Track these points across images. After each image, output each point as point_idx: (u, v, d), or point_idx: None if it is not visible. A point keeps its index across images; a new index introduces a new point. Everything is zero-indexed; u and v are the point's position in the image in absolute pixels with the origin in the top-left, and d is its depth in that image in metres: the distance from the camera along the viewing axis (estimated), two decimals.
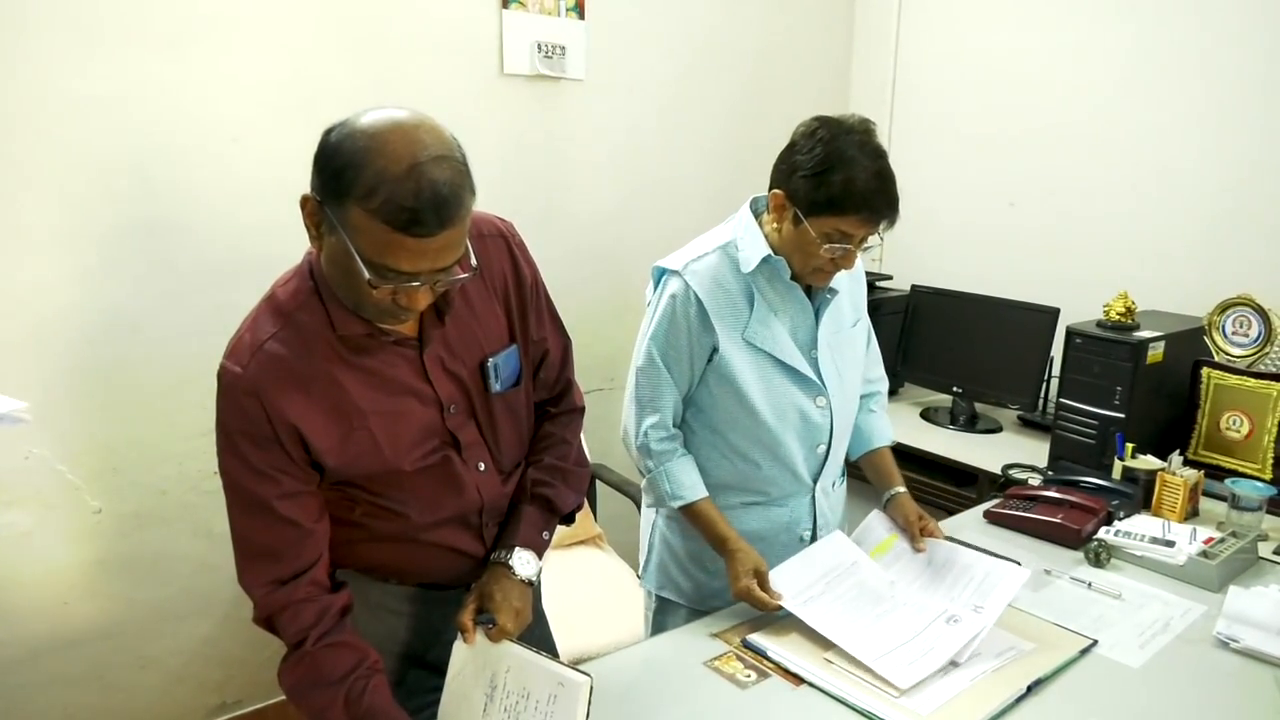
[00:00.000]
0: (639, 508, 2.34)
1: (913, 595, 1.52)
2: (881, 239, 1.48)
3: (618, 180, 2.81)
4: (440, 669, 1.30)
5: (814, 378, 1.58)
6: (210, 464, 2.12)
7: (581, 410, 1.44)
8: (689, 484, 1.55)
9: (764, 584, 1.46)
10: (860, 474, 1.81)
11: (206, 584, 2.24)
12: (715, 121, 3.02)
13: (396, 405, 1.17)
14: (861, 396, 1.76)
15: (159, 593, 2.19)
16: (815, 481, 1.65)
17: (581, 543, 2.52)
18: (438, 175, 0.98)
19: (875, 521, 1.69)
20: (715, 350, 1.53)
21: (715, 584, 1.64)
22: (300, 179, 2.31)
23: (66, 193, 1.95)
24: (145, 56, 1.99)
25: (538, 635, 1.48)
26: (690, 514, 1.56)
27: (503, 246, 1.27)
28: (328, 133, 1.03)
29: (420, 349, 1.18)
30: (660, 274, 1.59)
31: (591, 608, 1.99)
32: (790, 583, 1.49)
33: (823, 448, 1.63)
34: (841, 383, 1.62)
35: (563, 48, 2.57)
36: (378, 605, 1.29)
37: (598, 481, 2.60)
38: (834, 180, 1.39)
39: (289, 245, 2.13)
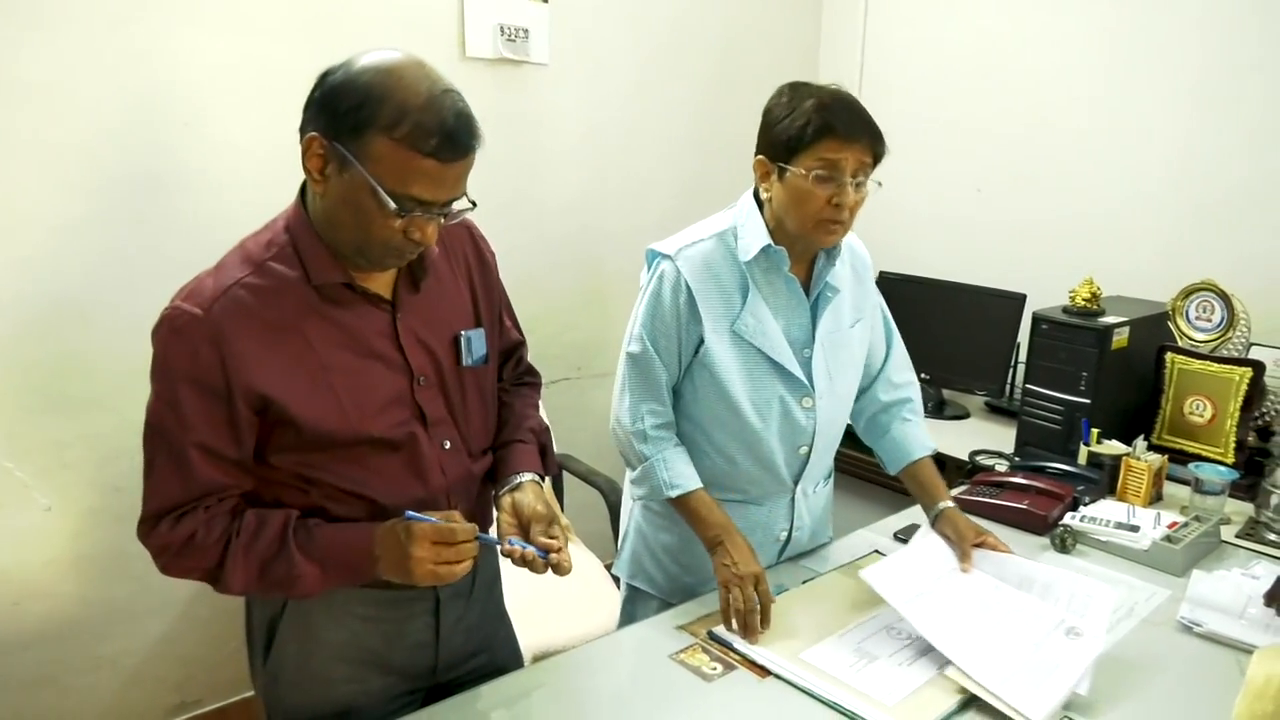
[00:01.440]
0: (605, 498, 2.33)
1: (1022, 602, 1.43)
2: (879, 184, 1.44)
3: (583, 167, 2.78)
4: (406, 673, 1.28)
5: (802, 378, 1.52)
6: None
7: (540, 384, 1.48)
8: (687, 474, 1.51)
9: (760, 585, 1.42)
10: (854, 471, 1.78)
11: (163, 581, 2.12)
12: (682, 108, 2.99)
13: (363, 366, 1.14)
14: (890, 404, 1.69)
15: (113, 591, 2.14)
16: (796, 483, 1.61)
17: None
18: (457, 103, 1.04)
19: (924, 541, 1.57)
20: (701, 341, 1.48)
21: (687, 579, 1.62)
22: (255, 163, 2.26)
23: (9, 181, 1.88)
24: (90, 38, 1.92)
25: (501, 636, 1.47)
26: (687, 503, 1.50)
27: (463, 230, 1.28)
28: (327, 75, 1.05)
29: (394, 313, 1.17)
30: (653, 257, 1.54)
31: (558, 600, 1.96)
32: (890, 580, 1.42)
33: (805, 449, 1.58)
34: (832, 385, 1.57)
35: (526, 30, 2.52)
36: (341, 610, 1.24)
37: (564, 472, 2.57)
38: (803, 109, 1.38)
39: (244, 232, 2.10)
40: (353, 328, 1.14)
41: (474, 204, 1.12)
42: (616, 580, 1.77)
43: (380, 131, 1.01)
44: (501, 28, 2.48)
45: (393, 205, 1.02)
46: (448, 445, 1.23)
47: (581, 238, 2.82)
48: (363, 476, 1.16)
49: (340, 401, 1.12)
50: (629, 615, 1.72)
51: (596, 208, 2.84)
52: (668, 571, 1.65)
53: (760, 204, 1.50)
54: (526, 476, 1.26)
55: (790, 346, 1.51)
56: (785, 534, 1.64)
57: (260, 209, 2.03)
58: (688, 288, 1.47)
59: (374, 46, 1.07)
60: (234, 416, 1.09)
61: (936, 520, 1.58)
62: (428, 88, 1.03)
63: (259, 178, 2.14)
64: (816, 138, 1.37)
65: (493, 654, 1.41)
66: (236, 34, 2.09)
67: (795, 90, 1.42)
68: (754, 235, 1.48)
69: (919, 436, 1.68)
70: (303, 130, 1.08)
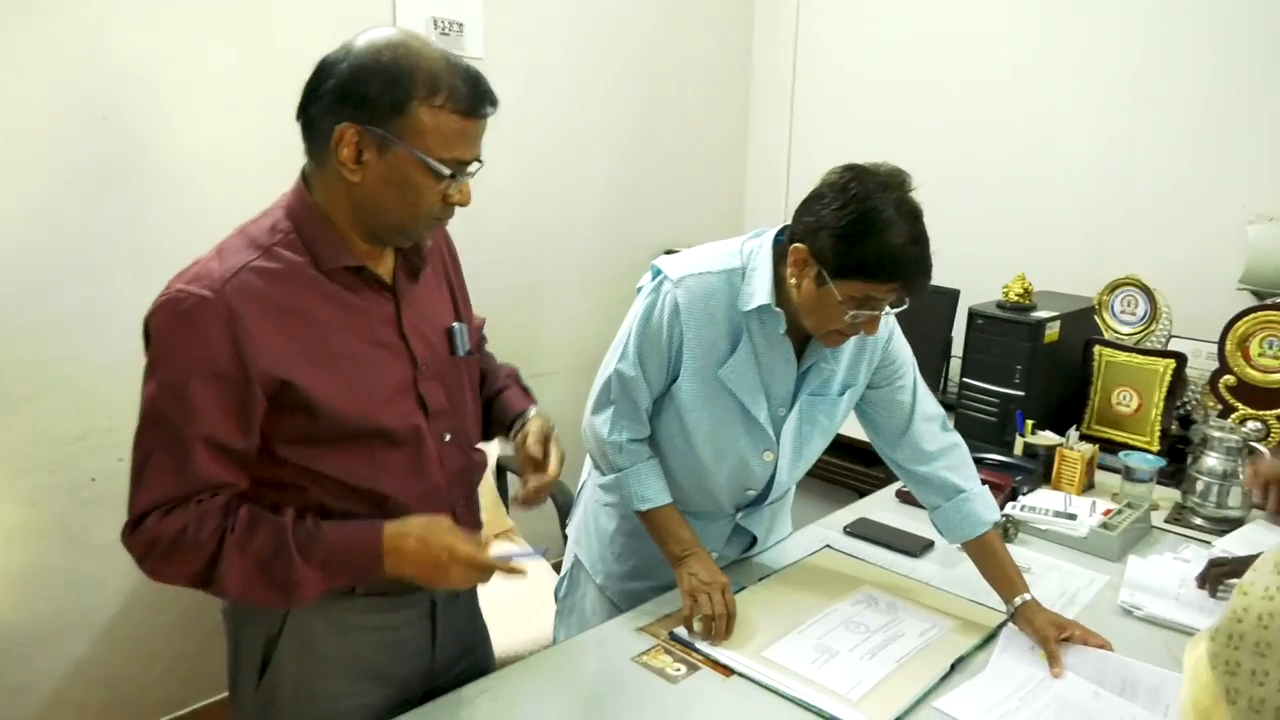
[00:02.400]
0: (553, 498, 2.30)
1: (1127, 712, 1.27)
2: (907, 304, 1.32)
3: (519, 163, 2.73)
4: (404, 683, 1.27)
5: (770, 434, 1.48)
6: (86, 470, 2.01)
7: None
8: (658, 488, 1.49)
9: (727, 594, 1.41)
10: (821, 474, 1.75)
11: (84, 600, 2.07)
12: (618, 104, 2.98)
13: (371, 354, 1.13)
14: (932, 479, 1.53)
15: (30, 612, 2.01)
16: (737, 511, 1.60)
17: (495, 536, 2.45)
18: (464, 62, 1.07)
19: (1005, 653, 1.40)
20: (678, 376, 1.45)
21: (615, 567, 1.63)
22: (176, 160, 2.15)
23: None
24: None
25: (481, 637, 1.46)
26: (656, 518, 1.48)
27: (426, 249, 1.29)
28: (333, 65, 1.04)
29: (396, 302, 1.17)
30: (657, 273, 1.45)
31: (507, 604, 1.92)
32: (974, 704, 1.27)
33: (753, 492, 1.57)
34: (798, 448, 1.52)
35: (460, 24, 2.47)
36: (341, 623, 1.21)
37: (508, 474, 2.53)
38: (868, 244, 1.24)
39: (165, 235, 2.01)
40: (360, 314, 1.13)
41: (482, 163, 1.13)
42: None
43: (421, 103, 1.03)
44: (435, 20, 2.43)
45: (446, 171, 1.06)
46: (448, 439, 1.23)
47: (518, 235, 2.78)
48: (369, 471, 1.14)
49: (353, 389, 1.11)
50: (572, 582, 1.72)
51: (532, 204, 2.80)
52: (601, 553, 1.65)
53: (778, 250, 1.40)
54: (531, 412, 1.34)
55: (767, 402, 1.46)
56: (717, 553, 1.60)
57: (213, 202, 1.94)
58: (681, 321, 1.41)
59: (370, 28, 1.08)
60: (247, 403, 1.04)
61: (1015, 616, 1.44)
62: (441, 53, 1.06)
63: (181, 174, 2.05)
64: (871, 278, 1.26)
65: (475, 656, 1.41)
66: (157, 29, 1.98)
67: (863, 204, 1.25)
68: (759, 288, 1.38)
69: (978, 510, 1.51)
70: (313, 121, 1.07)
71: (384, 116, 1.03)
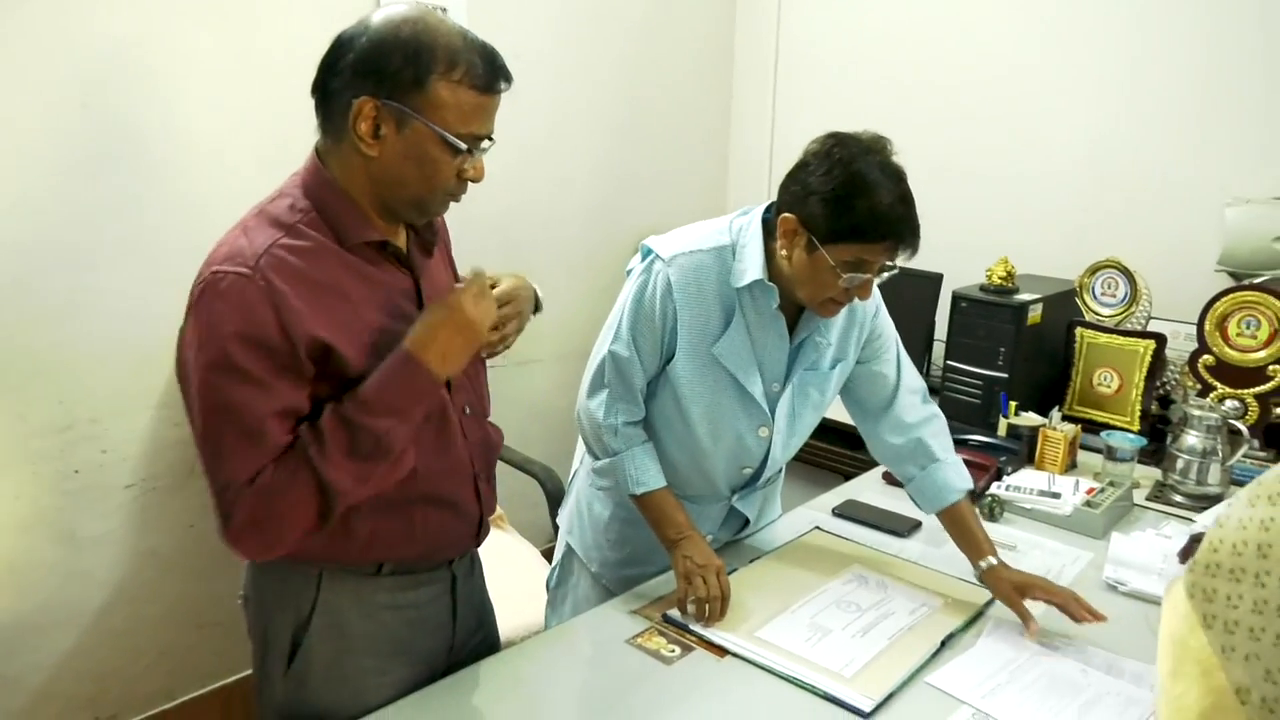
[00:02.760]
0: (542, 485, 2.31)
1: (1114, 686, 1.28)
2: (898, 268, 1.35)
3: (503, 150, 2.70)
4: (428, 660, 1.30)
5: (765, 409, 1.49)
6: (70, 463, 1.99)
7: None
8: (653, 472, 1.49)
9: (721, 576, 1.42)
10: (808, 458, 1.76)
11: (71, 593, 2.06)
12: (602, 92, 2.97)
13: (396, 327, 1.13)
14: (909, 449, 1.57)
15: (15, 606, 1.99)
16: (733, 493, 1.62)
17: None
18: (482, 40, 1.09)
19: (992, 635, 1.41)
20: (674, 354, 1.45)
21: (610, 554, 1.63)
22: (162, 148, 2.12)
23: None
24: None
25: (490, 612, 1.47)
26: (651, 501, 1.49)
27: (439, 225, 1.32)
28: (351, 40, 1.05)
29: (415, 276, 1.19)
30: (648, 253, 1.46)
31: (498, 590, 1.93)
32: (965, 678, 1.29)
33: (749, 470, 1.58)
34: (792, 423, 1.54)
35: (444, 8, 2.44)
36: (369, 603, 1.23)
37: (498, 461, 2.53)
38: (857, 205, 1.26)
39: (150, 224, 1.99)
40: (383, 289, 1.14)
41: (493, 140, 1.14)
42: (553, 551, 1.77)
43: (439, 77, 1.04)
44: (418, 3, 2.40)
45: (463, 146, 1.07)
46: (467, 411, 1.25)
47: (504, 220, 2.77)
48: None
49: (383, 359, 1.11)
50: (565, 572, 1.72)
51: (516, 192, 2.79)
52: (595, 541, 1.65)
53: (766, 226, 1.42)
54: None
55: (762, 379, 1.48)
56: (712, 536, 1.63)
57: (200, 190, 1.91)
58: (674, 299, 1.41)
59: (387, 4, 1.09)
60: (295, 369, 1.04)
61: (984, 580, 1.48)
62: (458, 29, 1.07)
63: (151, 159, 2.02)
64: (863, 239, 1.29)
65: (486, 630, 1.44)
66: (150, 13, 1.95)
67: (848, 168, 1.28)
68: (751, 263, 1.40)
69: (950, 478, 1.54)
70: (330, 96, 1.07)
71: (403, 91, 1.04)
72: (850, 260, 1.30)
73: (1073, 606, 1.37)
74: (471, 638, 1.38)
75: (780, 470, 1.73)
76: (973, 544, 1.50)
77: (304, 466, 1.04)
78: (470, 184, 1.15)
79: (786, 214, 1.33)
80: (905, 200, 1.30)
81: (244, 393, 1.02)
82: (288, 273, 1.04)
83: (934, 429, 1.59)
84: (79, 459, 2.02)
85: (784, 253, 1.36)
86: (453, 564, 1.31)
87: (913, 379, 1.61)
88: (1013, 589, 1.42)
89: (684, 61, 3.20)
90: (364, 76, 1.04)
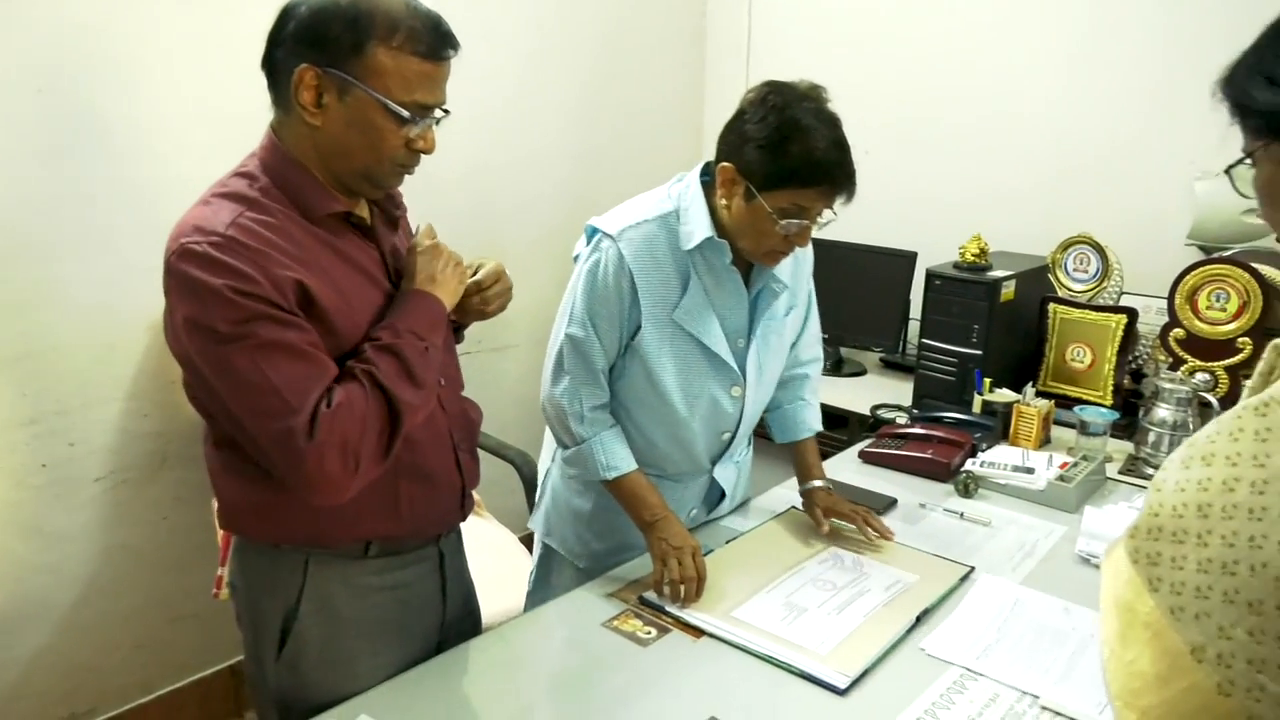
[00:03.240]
0: (519, 470, 2.30)
1: (1095, 619, 1.36)
2: (835, 214, 1.38)
3: (477, 138, 2.69)
4: (420, 639, 1.30)
5: (735, 367, 1.51)
6: (37, 457, 1.95)
7: None
8: (623, 455, 1.48)
9: (698, 558, 1.42)
10: (764, 432, 1.78)
11: (40, 588, 2.03)
12: (572, 74, 2.94)
13: (370, 295, 1.16)
14: (790, 380, 1.70)
15: None
16: (714, 464, 1.62)
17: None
18: (428, 8, 1.08)
19: (971, 596, 1.45)
20: (639, 327, 1.44)
21: (597, 545, 1.62)
22: (122, 134, 2.08)
23: None
24: None
25: (474, 593, 1.48)
26: (623, 485, 1.48)
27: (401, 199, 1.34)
28: (296, 8, 1.06)
29: (380, 247, 1.20)
30: (593, 233, 1.47)
31: (476, 576, 1.92)
32: (957, 642, 1.31)
33: (728, 435, 1.59)
34: (760, 375, 1.56)
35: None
36: (358, 585, 1.23)
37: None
38: (792, 150, 1.29)
39: (111, 212, 1.96)
40: (352, 258, 1.15)
41: (448, 111, 1.14)
42: (531, 537, 1.76)
43: (379, 44, 1.04)
44: None
45: (406, 114, 1.06)
46: (442, 382, 1.25)
47: (480, 210, 2.74)
48: None
49: (359, 325, 1.13)
50: (544, 573, 1.72)
51: (490, 181, 2.76)
52: (580, 536, 1.64)
53: (706, 187, 1.44)
54: None
55: (726, 337, 1.49)
56: (695, 510, 1.65)
57: (161, 177, 1.87)
58: (630, 271, 1.41)
59: None
60: (293, 312, 1.05)
61: (805, 496, 1.66)
62: (403, 0, 1.06)
63: (100, 151, 1.98)
64: (800, 185, 1.31)
65: (471, 606, 1.45)
66: None
67: (782, 114, 1.31)
68: (697, 224, 1.41)
69: (809, 418, 1.71)
70: (277, 67, 1.08)
71: (343, 58, 1.04)
72: (787, 207, 1.33)
73: (859, 523, 1.58)
74: (460, 614, 1.39)
75: (750, 440, 1.75)
76: (805, 470, 1.67)
77: (366, 382, 1.07)
78: (431, 173, 1.16)
79: (725, 163, 1.35)
80: (840, 145, 1.32)
81: (268, 329, 1.02)
82: (258, 238, 1.05)
83: (818, 367, 1.76)
84: (46, 453, 1.99)
85: (724, 203, 1.38)
86: (439, 541, 1.32)
87: (816, 322, 1.74)
88: (820, 509, 1.61)
89: (656, 45, 3.17)
90: (306, 45, 1.04)
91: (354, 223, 1.17)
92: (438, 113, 1.12)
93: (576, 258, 1.51)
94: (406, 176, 1.19)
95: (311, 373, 1.04)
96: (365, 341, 1.11)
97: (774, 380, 1.64)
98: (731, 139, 1.36)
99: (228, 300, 1.00)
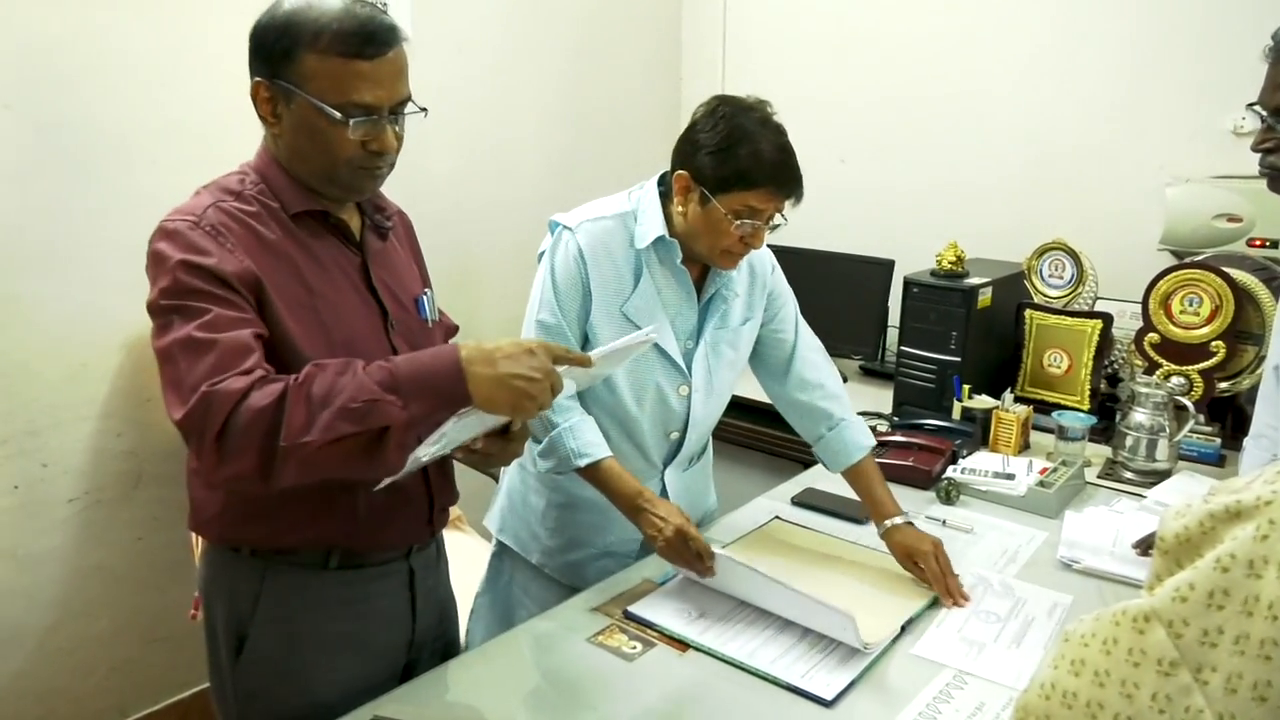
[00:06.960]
0: (496, 481, 2.28)
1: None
2: (785, 219, 1.46)
3: (452, 144, 2.68)
4: (384, 654, 1.27)
5: (682, 366, 1.55)
6: (8, 478, 1.92)
7: None
8: (596, 442, 1.48)
9: (689, 534, 1.40)
10: (740, 441, 1.77)
11: (13, 611, 1.98)
12: (548, 83, 2.94)
13: (344, 300, 1.17)
14: (813, 408, 1.65)
15: None
16: (665, 466, 1.63)
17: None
18: (369, 8, 1.10)
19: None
20: (589, 315, 1.49)
21: (550, 543, 1.63)
22: (91, 150, 2.06)
23: None
24: None
25: (453, 610, 1.47)
26: (597, 472, 1.47)
27: (395, 204, 1.35)
28: (254, 25, 1.10)
29: (364, 256, 1.21)
30: (555, 226, 1.54)
31: (459, 592, 1.91)
32: (945, 644, 1.35)
33: (676, 435, 1.61)
34: (710, 380, 1.59)
35: (385, 2, 2.40)
36: (316, 597, 1.21)
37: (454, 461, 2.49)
38: (740, 154, 1.38)
39: (80, 228, 1.93)
40: (330, 261, 1.17)
41: (424, 110, 1.16)
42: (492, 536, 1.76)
43: (306, 49, 1.06)
44: None
45: (338, 115, 1.07)
46: None
47: (453, 216, 2.73)
48: None
49: (325, 325, 1.13)
50: (495, 570, 1.73)
51: (467, 185, 2.75)
52: (533, 532, 1.65)
53: (664, 194, 1.51)
54: None
55: (675, 337, 1.54)
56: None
57: (131, 192, 1.84)
58: (585, 261, 1.48)
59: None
60: (242, 297, 1.06)
61: (885, 540, 1.55)
62: (342, 3, 1.08)
63: (81, 162, 1.95)
64: (749, 187, 1.39)
65: (446, 626, 1.43)
66: (75, 8, 1.87)
67: (731, 122, 1.40)
68: (651, 224, 1.49)
69: (856, 436, 1.63)
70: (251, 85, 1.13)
71: (282, 68, 1.08)
72: (739, 209, 1.40)
73: (939, 588, 1.46)
74: (432, 634, 1.37)
75: (707, 448, 1.75)
76: (877, 504, 1.58)
77: (274, 396, 0.97)
78: (408, 184, 1.16)
79: (679, 171, 1.44)
80: (784, 150, 1.41)
81: (199, 298, 1.03)
82: (233, 225, 1.09)
83: (834, 389, 1.69)
84: (18, 474, 1.95)
85: (680, 209, 1.46)
86: (410, 556, 1.29)
87: (811, 339, 1.71)
88: (904, 554, 1.51)
89: (632, 52, 3.18)
90: (257, 59, 1.10)
91: (333, 223, 1.19)
92: (410, 108, 1.14)
93: (541, 255, 1.55)
94: (389, 179, 1.19)
95: (220, 363, 0.99)
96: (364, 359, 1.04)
97: (727, 390, 1.66)
98: (685, 148, 1.44)
99: (176, 269, 1.03)
